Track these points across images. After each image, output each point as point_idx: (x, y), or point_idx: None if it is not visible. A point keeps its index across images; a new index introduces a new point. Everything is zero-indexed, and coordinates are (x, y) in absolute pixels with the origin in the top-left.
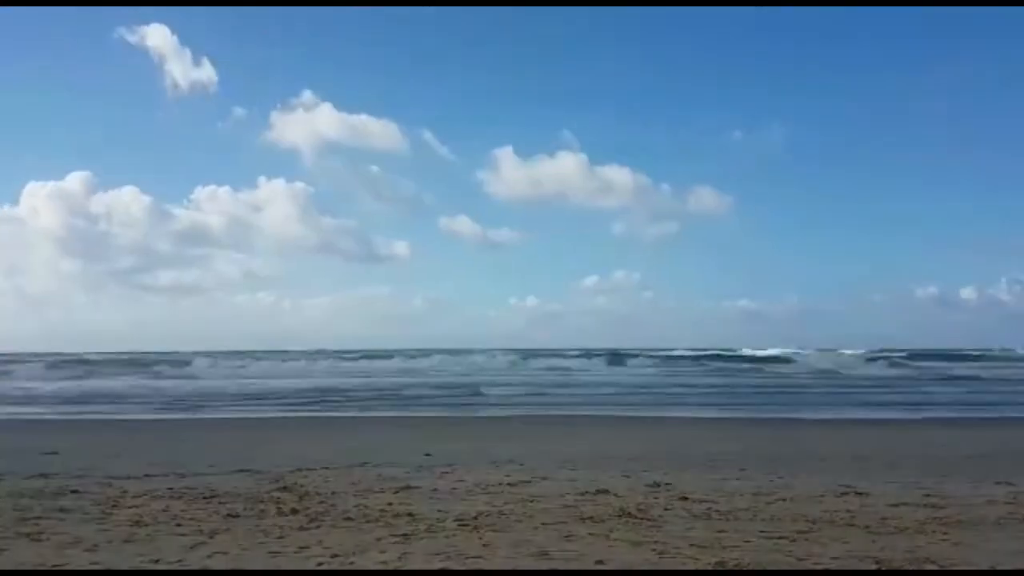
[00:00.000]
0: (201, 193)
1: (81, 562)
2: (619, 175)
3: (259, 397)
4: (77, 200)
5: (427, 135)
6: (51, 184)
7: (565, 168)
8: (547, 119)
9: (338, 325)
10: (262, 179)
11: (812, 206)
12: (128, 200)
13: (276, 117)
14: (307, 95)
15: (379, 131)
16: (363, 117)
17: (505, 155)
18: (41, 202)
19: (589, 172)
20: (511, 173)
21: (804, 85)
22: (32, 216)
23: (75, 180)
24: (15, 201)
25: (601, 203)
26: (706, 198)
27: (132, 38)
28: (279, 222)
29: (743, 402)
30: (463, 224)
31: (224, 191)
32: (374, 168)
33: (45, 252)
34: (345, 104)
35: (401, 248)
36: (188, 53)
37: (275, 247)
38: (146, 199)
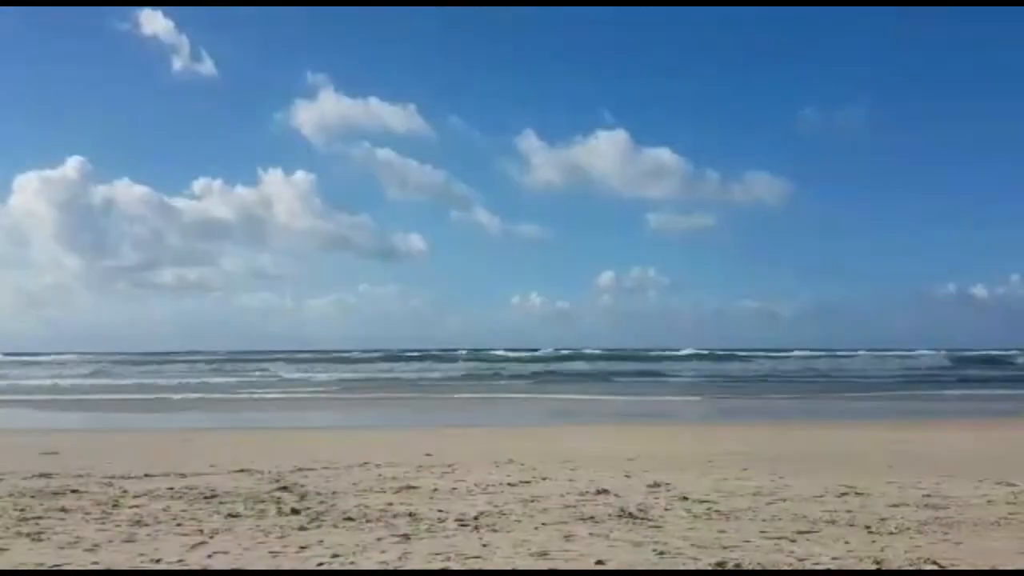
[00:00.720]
0: (198, 185)
1: (81, 562)
2: (663, 157)
3: None
4: (75, 190)
5: (453, 119)
6: (47, 173)
7: (599, 152)
8: (584, 99)
9: (365, 322)
10: (268, 169)
11: (884, 196)
12: (128, 194)
13: (283, 104)
14: (317, 79)
15: (396, 117)
16: (374, 101)
17: (533, 139)
18: (35, 193)
19: (629, 156)
20: (539, 159)
21: (891, 59)
22: (25, 208)
23: (73, 169)
24: (8, 192)
25: (641, 192)
26: (758, 185)
27: (126, 25)
28: (287, 214)
29: None
30: (483, 215)
31: (226, 184)
32: (389, 156)
33: (41, 242)
34: (353, 89)
35: (418, 242)
36: (186, 39)
37: (285, 239)
38: (147, 192)
